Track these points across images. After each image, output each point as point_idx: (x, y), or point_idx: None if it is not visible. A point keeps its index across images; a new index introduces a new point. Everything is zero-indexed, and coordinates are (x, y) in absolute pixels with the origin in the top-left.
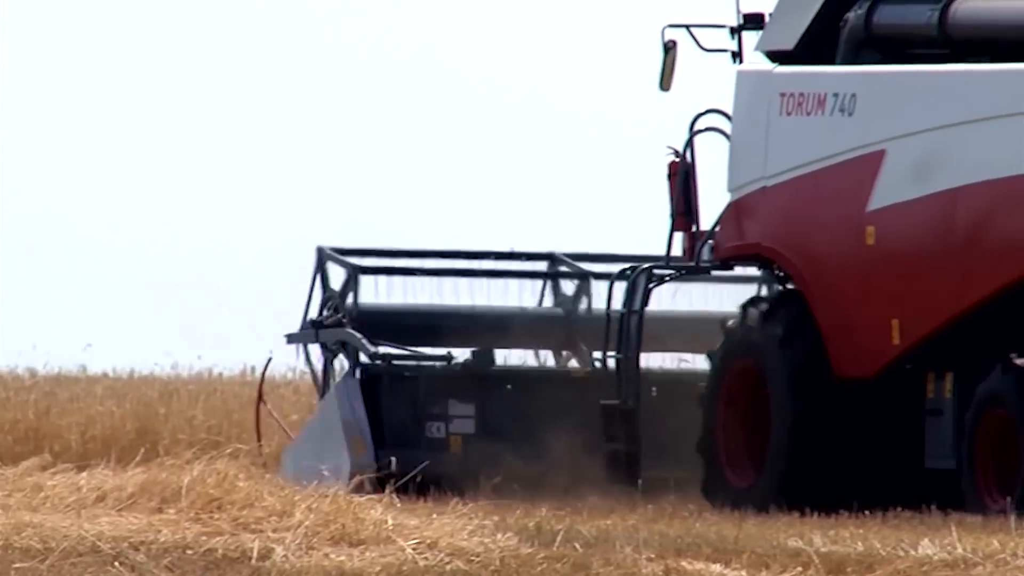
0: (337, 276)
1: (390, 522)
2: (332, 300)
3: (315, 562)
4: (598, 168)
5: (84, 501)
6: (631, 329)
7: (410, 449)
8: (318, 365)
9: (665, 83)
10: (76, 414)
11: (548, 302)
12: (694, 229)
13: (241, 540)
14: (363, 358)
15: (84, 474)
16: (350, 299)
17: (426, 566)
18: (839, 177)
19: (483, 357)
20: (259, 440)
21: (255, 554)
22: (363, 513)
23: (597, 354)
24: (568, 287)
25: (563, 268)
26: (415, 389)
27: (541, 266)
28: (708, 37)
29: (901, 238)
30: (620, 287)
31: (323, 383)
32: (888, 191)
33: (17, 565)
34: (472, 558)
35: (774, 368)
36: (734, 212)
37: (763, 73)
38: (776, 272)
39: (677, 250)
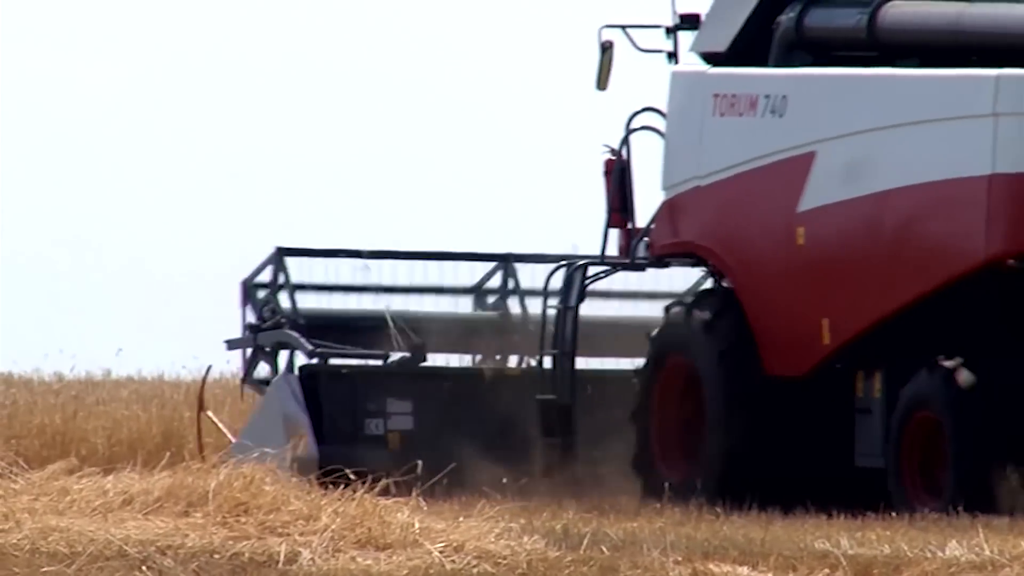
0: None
1: (416, 525)
2: (270, 303)
3: (342, 566)
4: (535, 167)
5: (111, 505)
6: (566, 325)
7: (349, 445)
8: (261, 370)
9: (602, 83)
10: (102, 418)
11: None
12: (630, 226)
13: (268, 544)
14: (301, 357)
15: (110, 478)
16: (288, 304)
17: (453, 570)
18: (770, 178)
19: (416, 355)
20: (201, 451)
21: (282, 558)
22: (389, 516)
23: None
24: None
25: (511, 277)
26: (353, 387)
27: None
28: (644, 37)
29: (831, 239)
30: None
31: (262, 383)
32: (818, 192)
33: (44, 569)
34: (499, 561)
35: (707, 366)
36: (668, 210)
37: (697, 74)
38: (711, 271)
39: (613, 248)
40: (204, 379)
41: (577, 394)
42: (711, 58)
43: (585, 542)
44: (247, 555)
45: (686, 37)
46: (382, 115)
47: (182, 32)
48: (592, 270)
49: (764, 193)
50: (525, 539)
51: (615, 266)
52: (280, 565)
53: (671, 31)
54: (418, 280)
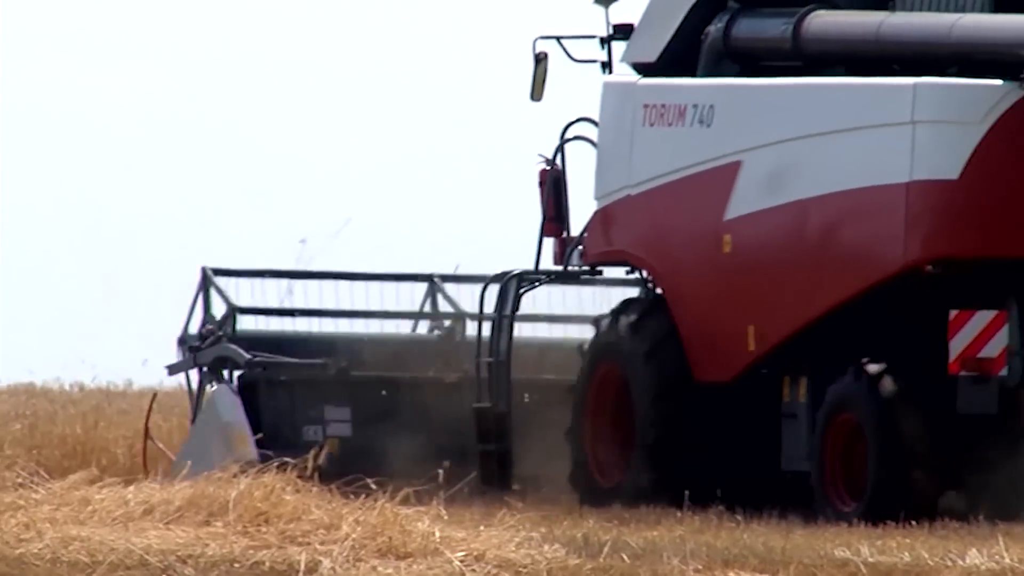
0: (221, 306)
1: (437, 534)
2: (211, 323)
3: (362, 575)
4: (471, 178)
5: (132, 514)
6: (501, 334)
7: (289, 451)
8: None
9: (536, 93)
10: (123, 428)
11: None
12: (564, 235)
13: (288, 553)
14: (237, 372)
15: (131, 488)
16: (227, 328)
17: None
18: (698, 187)
19: (351, 362)
20: (146, 474)
21: (302, 567)
22: (410, 525)
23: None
24: (446, 308)
25: (440, 296)
26: (291, 394)
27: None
28: (579, 48)
29: (756, 247)
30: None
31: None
32: (744, 201)
33: None
34: (519, 570)
35: (638, 373)
36: (601, 219)
37: (627, 84)
38: (643, 278)
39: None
40: (150, 408)
41: (512, 401)
42: (642, 68)
43: (605, 550)
44: (268, 564)
45: (621, 47)
46: (316, 129)
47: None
48: (527, 279)
49: (692, 201)
50: (546, 548)
51: (549, 275)
52: (301, 574)
53: (605, 41)
54: (344, 301)
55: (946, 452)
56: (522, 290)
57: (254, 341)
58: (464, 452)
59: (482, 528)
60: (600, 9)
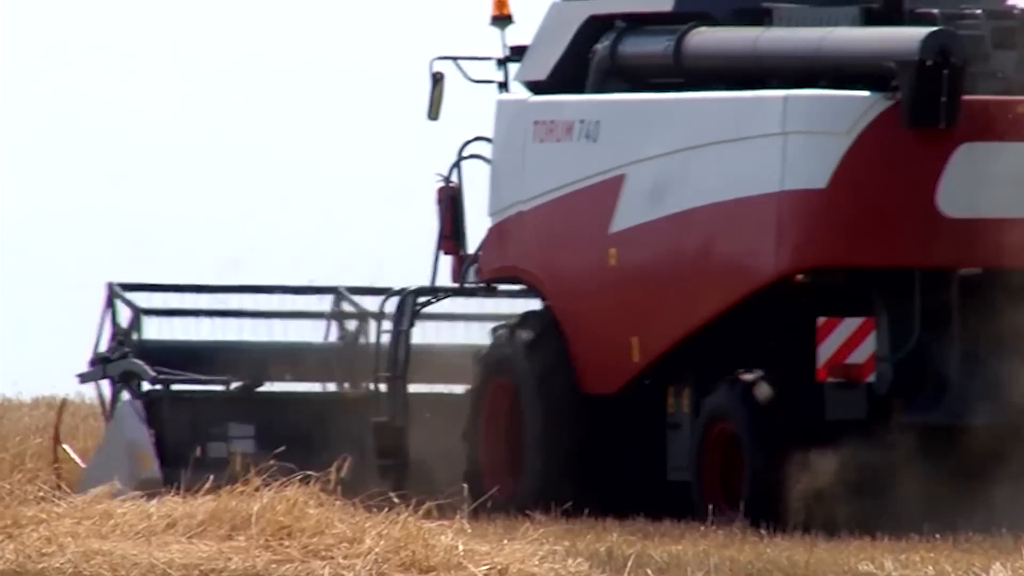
0: (126, 311)
1: (461, 548)
2: (119, 335)
3: None
4: (370, 197)
5: (154, 528)
6: (398, 349)
7: (193, 468)
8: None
9: (433, 113)
10: None
11: (334, 337)
12: (462, 252)
13: (311, 567)
14: (145, 385)
15: (154, 501)
16: (135, 336)
17: None
18: (585, 201)
19: (255, 379)
20: (59, 483)
21: None
22: (433, 539)
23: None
24: (350, 323)
25: (345, 304)
26: (194, 411)
27: (327, 299)
28: (476, 68)
29: (639, 259)
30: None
31: (111, 412)
32: (627, 214)
33: None
34: None
35: (526, 385)
36: (495, 235)
37: (519, 102)
38: (537, 293)
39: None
40: (59, 412)
41: (409, 416)
42: (534, 86)
43: (629, 564)
44: None
45: (517, 68)
46: (218, 146)
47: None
48: (424, 295)
49: (579, 216)
50: (569, 562)
51: (446, 291)
52: None
53: (502, 63)
54: (248, 323)
55: (820, 459)
56: (418, 306)
57: (161, 352)
58: (369, 467)
59: (505, 542)
60: (496, 31)
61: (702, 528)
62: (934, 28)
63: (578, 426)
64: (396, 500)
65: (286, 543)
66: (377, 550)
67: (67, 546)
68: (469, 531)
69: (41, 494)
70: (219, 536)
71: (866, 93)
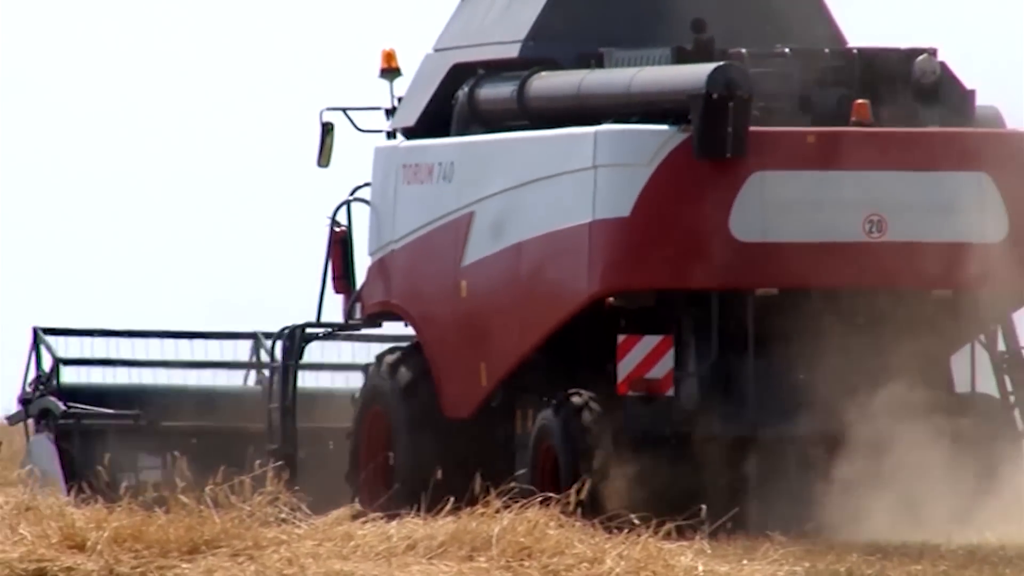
0: (48, 359)
1: (700, 568)
2: (41, 377)
3: None
4: (267, 242)
5: (394, 550)
6: (287, 382)
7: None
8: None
9: (323, 161)
10: None
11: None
12: (351, 291)
13: None
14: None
15: (394, 523)
16: (54, 381)
17: None
18: (442, 238)
19: (158, 414)
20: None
21: None
22: (673, 559)
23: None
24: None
25: (263, 351)
26: (104, 443)
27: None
28: (365, 118)
29: (484, 289)
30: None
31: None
32: (475, 248)
33: None
34: None
35: (396, 413)
36: (374, 273)
37: (392, 148)
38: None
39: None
40: None
41: (298, 445)
42: (406, 132)
43: None
44: None
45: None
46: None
47: None
48: (309, 332)
49: (437, 252)
50: None
51: (331, 327)
52: None
53: (389, 113)
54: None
55: (624, 470)
56: (303, 342)
57: (75, 393)
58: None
59: (745, 562)
60: (385, 83)
61: (940, 548)
62: (721, 63)
63: (441, 449)
64: (636, 521)
65: (526, 564)
66: (617, 571)
67: (308, 567)
68: (708, 551)
69: (282, 515)
70: (459, 557)
71: (665, 127)
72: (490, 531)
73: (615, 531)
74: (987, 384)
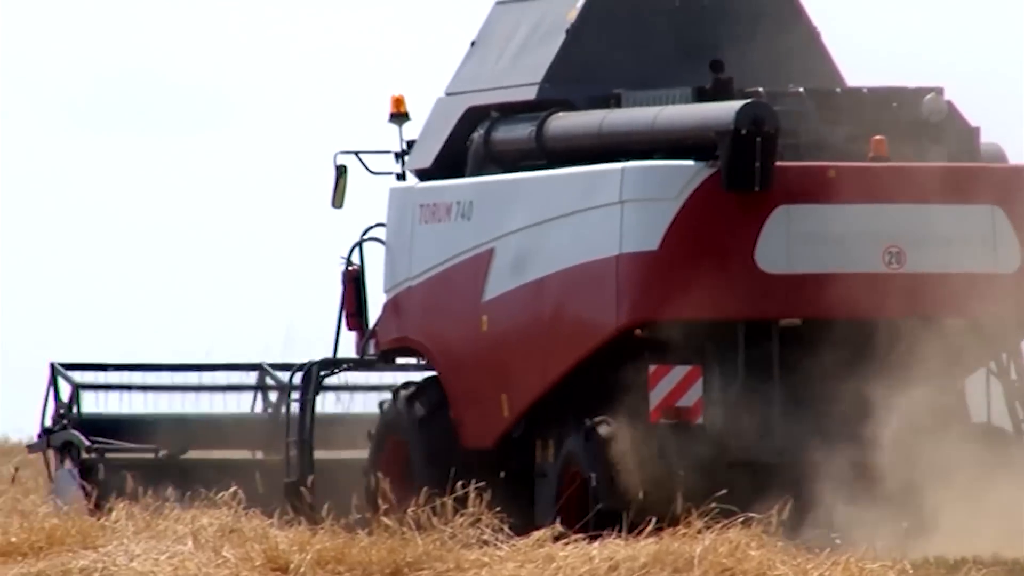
0: (66, 388)
1: None
2: (61, 408)
3: None
4: (286, 278)
5: (596, 571)
6: (305, 416)
7: None
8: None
9: (337, 202)
10: None
11: (259, 408)
12: (364, 328)
13: None
14: (82, 453)
15: (596, 544)
16: (75, 409)
17: None
18: (461, 274)
19: (178, 448)
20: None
21: None
22: None
23: None
24: (273, 395)
25: (268, 379)
26: (126, 476)
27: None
28: (376, 161)
29: (506, 323)
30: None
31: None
32: (496, 283)
33: None
34: None
35: (416, 444)
36: (389, 310)
37: (407, 188)
38: (422, 360)
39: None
40: (13, 479)
41: (315, 477)
42: (420, 173)
43: None
44: None
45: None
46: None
47: None
48: (327, 367)
49: (457, 288)
50: None
51: (347, 363)
52: None
53: (399, 155)
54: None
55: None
56: (321, 376)
57: (95, 423)
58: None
59: None
60: (395, 127)
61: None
62: (748, 101)
63: (461, 479)
64: (838, 541)
65: None
66: None
67: None
68: (911, 572)
69: (484, 537)
70: None
71: (692, 162)
72: (692, 552)
73: (816, 551)
74: (1000, 412)
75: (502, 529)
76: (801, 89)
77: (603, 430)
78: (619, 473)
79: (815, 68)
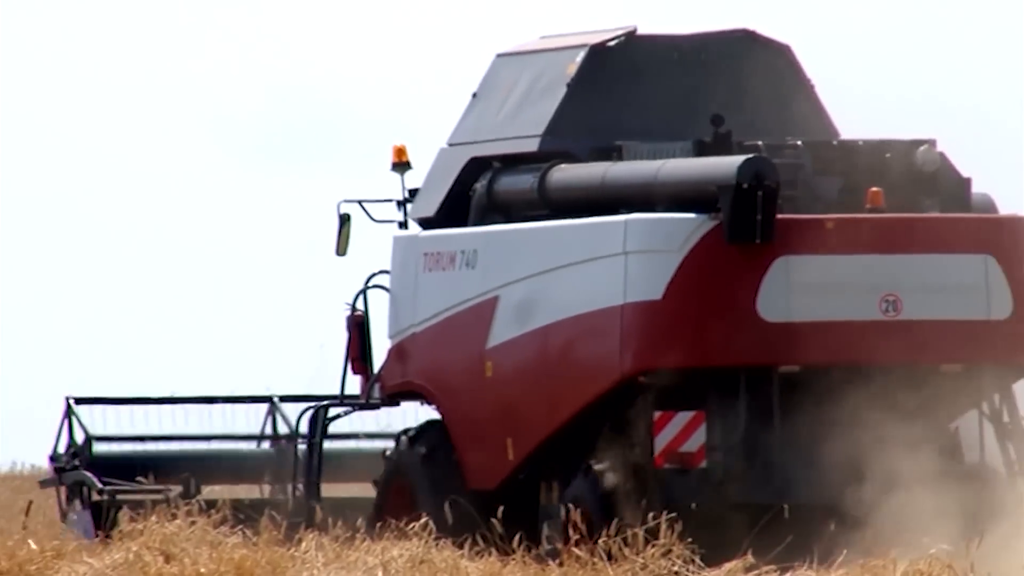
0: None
1: None
2: (73, 447)
3: None
4: (287, 323)
5: None
6: (312, 458)
7: None
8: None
9: (341, 249)
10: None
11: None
12: (369, 372)
13: None
14: (94, 495)
15: (788, 575)
16: (87, 452)
17: None
18: (465, 321)
19: (188, 487)
20: None
21: None
22: None
23: None
24: (282, 429)
25: (278, 414)
26: (138, 514)
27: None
28: (379, 209)
29: (510, 369)
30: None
31: (64, 516)
32: (501, 330)
33: None
34: None
35: (421, 485)
36: (394, 355)
37: (411, 237)
38: (430, 406)
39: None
40: (27, 511)
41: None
42: (424, 222)
43: None
44: None
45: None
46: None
47: None
48: (333, 410)
49: (461, 334)
50: None
51: (353, 406)
52: None
53: (401, 204)
54: (193, 424)
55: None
56: (327, 419)
57: (107, 462)
58: None
59: None
60: (397, 176)
61: None
62: (750, 155)
63: (465, 520)
64: None
65: None
66: None
67: None
68: None
69: (675, 568)
70: None
71: (694, 215)
72: None
73: None
74: (993, 453)
75: (693, 560)
76: (798, 142)
77: (607, 476)
78: (622, 518)
79: (810, 121)
